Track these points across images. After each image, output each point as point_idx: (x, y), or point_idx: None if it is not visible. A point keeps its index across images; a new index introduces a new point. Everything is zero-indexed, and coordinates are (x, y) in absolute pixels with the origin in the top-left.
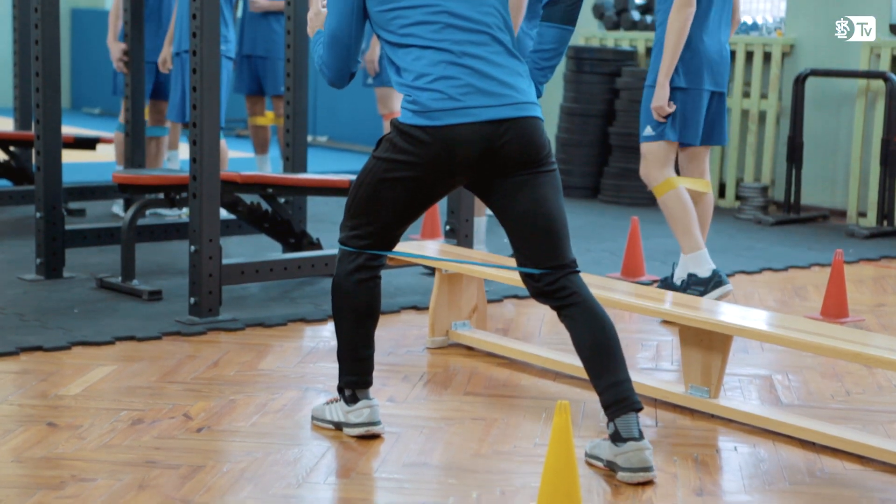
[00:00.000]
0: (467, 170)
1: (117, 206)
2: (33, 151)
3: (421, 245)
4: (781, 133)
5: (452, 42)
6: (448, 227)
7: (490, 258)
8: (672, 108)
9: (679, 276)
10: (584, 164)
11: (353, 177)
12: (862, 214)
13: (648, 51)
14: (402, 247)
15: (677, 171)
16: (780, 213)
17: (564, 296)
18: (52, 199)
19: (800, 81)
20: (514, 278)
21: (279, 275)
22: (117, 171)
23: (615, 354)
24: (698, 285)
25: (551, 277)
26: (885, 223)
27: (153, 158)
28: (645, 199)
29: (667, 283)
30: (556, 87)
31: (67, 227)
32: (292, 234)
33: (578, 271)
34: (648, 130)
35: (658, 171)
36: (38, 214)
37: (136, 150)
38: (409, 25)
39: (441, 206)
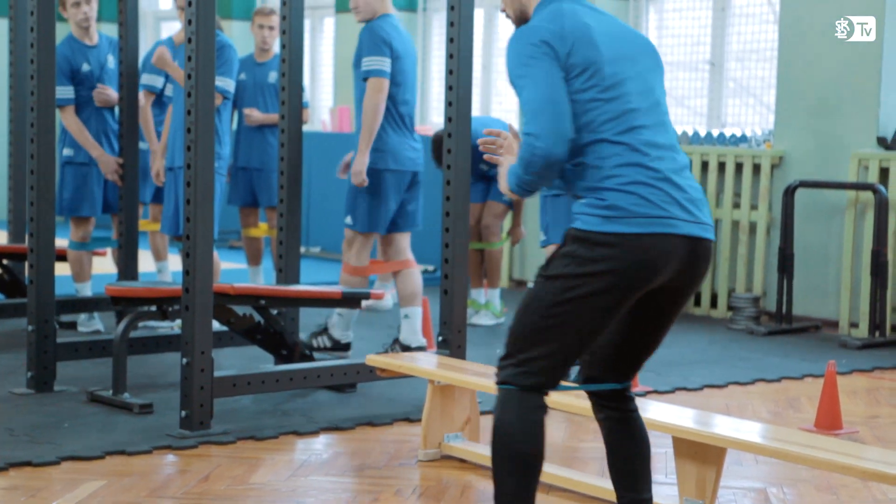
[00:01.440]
0: (654, 284)
1: (84, 318)
2: (26, 264)
3: (413, 357)
4: (772, 244)
5: (645, 144)
6: (440, 338)
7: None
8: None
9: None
10: None
11: (346, 288)
12: (854, 325)
13: None
14: (399, 360)
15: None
16: (773, 323)
17: (626, 407)
18: (44, 313)
19: (789, 193)
20: None
21: (271, 387)
22: (110, 283)
23: (647, 470)
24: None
25: (627, 390)
26: (877, 334)
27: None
28: None
29: None
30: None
31: (59, 340)
32: (285, 346)
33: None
34: (541, 235)
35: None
36: (29, 328)
37: (128, 262)
38: (602, 122)
39: (434, 316)
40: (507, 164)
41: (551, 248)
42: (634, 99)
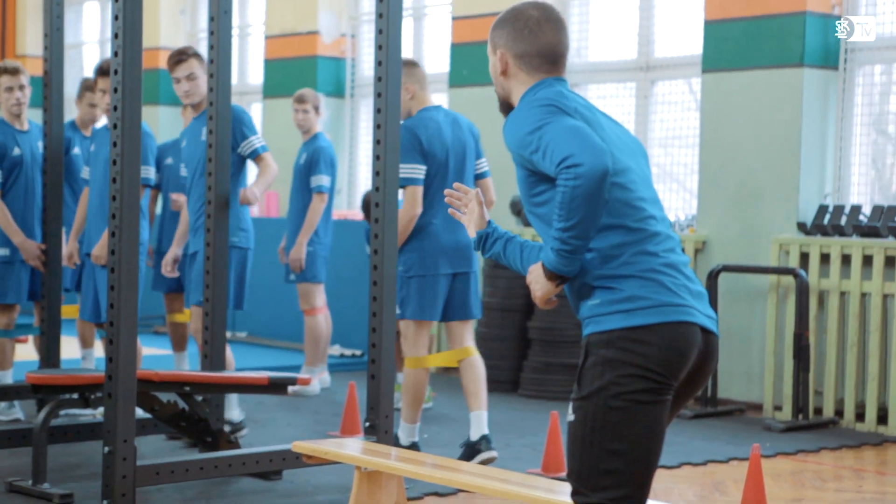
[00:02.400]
0: (681, 377)
1: (4, 406)
2: None
3: (339, 443)
4: None
5: (657, 234)
6: (367, 423)
7: (489, 472)
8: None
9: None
10: (504, 358)
11: (272, 373)
12: (777, 408)
13: None
14: (325, 446)
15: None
16: (698, 406)
17: None
18: None
19: (712, 277)
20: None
21: (195, 475)
22: (31, 370)
23: None
24: None
25: None
26: (801, 416)
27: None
28: (565, 393)
29: None
30: None
31: None
32: (209, 433)
33: None
34: (396, 309)
35: (409, 346)
36: None
37: (51, 349)
38: (619, 206)
39: (361, 401)
40: (470, 229)
41: (402, 323)
42: (640, 188)
